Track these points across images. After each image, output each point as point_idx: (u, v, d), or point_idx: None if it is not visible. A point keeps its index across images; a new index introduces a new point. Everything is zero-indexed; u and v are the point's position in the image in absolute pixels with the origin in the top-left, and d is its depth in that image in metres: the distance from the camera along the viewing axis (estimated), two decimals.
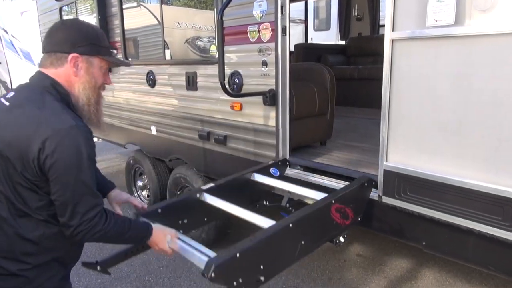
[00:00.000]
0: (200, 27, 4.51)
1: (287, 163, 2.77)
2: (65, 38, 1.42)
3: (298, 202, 2.49)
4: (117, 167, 6.14)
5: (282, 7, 2.56)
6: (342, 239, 2.15)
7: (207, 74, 3.23)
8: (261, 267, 1.71)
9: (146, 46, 4.30)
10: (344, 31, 6.43)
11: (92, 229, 1.36)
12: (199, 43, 4.44)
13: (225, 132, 3.16)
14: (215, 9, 3.07)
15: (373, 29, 6.09)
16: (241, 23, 2.83)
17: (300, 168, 2.78)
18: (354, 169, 2.61)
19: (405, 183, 2.05)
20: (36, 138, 1.27)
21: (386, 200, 2.16)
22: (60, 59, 1.42)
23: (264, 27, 2.68)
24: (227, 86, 2.76)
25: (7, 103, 1.38)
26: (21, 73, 8.79)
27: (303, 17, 7.00)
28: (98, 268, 1.78)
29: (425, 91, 1.90)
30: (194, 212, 2.25)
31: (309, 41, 7.29)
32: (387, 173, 2.12)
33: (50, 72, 1.43)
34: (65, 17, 5.16)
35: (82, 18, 4.84)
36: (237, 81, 2.93)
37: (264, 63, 2.73)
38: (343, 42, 6.50)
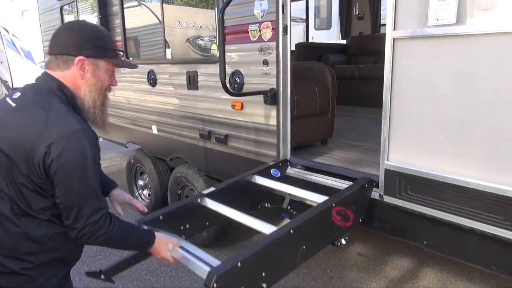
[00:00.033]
0: (201, 26, 4.51)
1: (288, 163, 2.77)
2: (72, 40, 1.42)
3: (299, 203, 2.48)
4: (118, 166, 6.14)
5: (283, 6, 2.56)
6: (343, 241, 2.15)
7: (208, 73, 3.23)
8: (263, 274, 1.72)
9: (147, 45, 4.31)
10: (345, 30, 6.42)
11: (96, 232, 1.37)
12: (200, 42, 4.44)
13: (226, 131, 3.15)
14: (216, 8, 3.07)
15: (374, 28, 6.08)
16: (242, 22, 2.83)
17: (301, 167, 2.78)
18: (355, 168, 2.60)
19: (406, 182, 2.05)
20: (42, 142, 1.27)
21: (387, 199, 2.16)
22: (67, 61, 1.42)
23: (265, 26, 2.67)
24: (228, 85, 2.76)
25: (13, 104, 1.38)
26: (22, 72, 8.80)
27: (304, 16, 6.98)
28: (102, 277, 1.79)
29: (427, 90, 1.90)
30: (195, 217, 2.26)
31: (310, 40, 7.27)
32: (388, 172, 2.12)
33: (57, 74, 1.43)
34: (66, 17, 5.17)
35: (82, 17, 4.84)
36: (238, 80, 2.93)
37: (265, 62, 2.73)
38: (344, 41, 6.49)
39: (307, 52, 5.69)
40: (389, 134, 2.08)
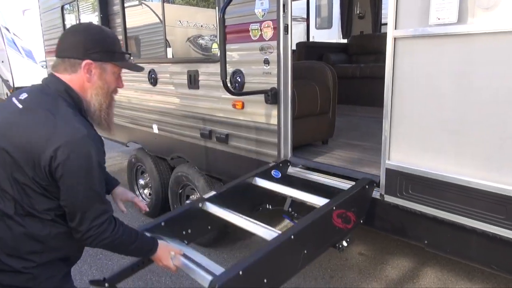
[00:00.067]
0: (201, 26, 4.51)
1: (288, 164, 2.77)
2: (79, 44, 1.42)
3: (300, 205, 2.48)
4: (119, 166, 6.14)
5: (284, 5, 2.55)
6: (345, 243, 2.15)
7: (208, 73, 3.23)
8: (265, 280, 1.73)
9: (147, 44, 4.31)
10: (346, 29, 6.41)
11: (100, 235, 1.39)
12: (201, 41, 4.44)
13: (227, 130, 3.15)
14: (217, 7, 3.07)
15: (375, 27, 6.07)
16: (243, 21, 2.82)
17: (302, 167, 2.77)
18: (356, 167, 2.60)
19: (407, 181, 2.04)
20: (48, 146, 1.28)
21: (388, 198, 2.16)
22: (74, 65, 1.42)
23: (266, 25, 2.67)
24: (229, 84, 2.76)
25: (20, 105, 1.38)
26: (23, 72, 8.80)
27: (305, 15, 6.97)
28: (106, 285, 1.79)
29: (428, 90, 1.89)
30: (197, 222, 2.27)
31: (311, 40, 7.26)
32: (389, 172, 2.12)
33: (64, 77, 1.43)
34: (66, 16, 5.17)
35: (83, 16, 4.85)
36: (239, 80, 2.93)
37: (266, 62, 2.72)
38: (345, 41, 6.47)
39: (308, 52, 5.68)
40: (390, 133, 2.08)
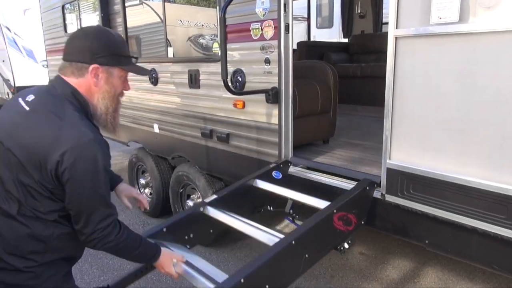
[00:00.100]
0: (202, 25, 4.51)
1: (289, 164, 2.76)
2: (86, 48, 1.42)
3: (301, 206, 2.48)
4: (119, 165, 6.14)
5: (285, 4, 2.55)
6: (346, 245, 2.16)
7: (209, 72, 3.23)
8: (267, 286, 1.74)
9: (148, 44, 4.31)
10: (347, 29, 6.40)
11: (104, 238, 1.41)
12: (202, 41, 4.44)
13: (228, 130, 3.15)
14: (218, 7, 3.07)
15: (376, 26, 6.06)
16: (244, 20, 2.82)
17: (303, 166, 2.77)
18: (357, 167, 2.60)
19: (408, 181, 2.04)
20: (55, 150, 1.29)
21: (389, 198, 2.15)
22: (81, 69, 1.43)
23: (267, 24, 2.67)
24: (229, 84, 2.76)
25: (27, 107, 1.38)
26: (24, 71, 8.80)
27: (305, 15, 6.97)
28: None
29: (429, 89, 1.89)
30: (199, 226, 2.27)
31: (311, 39, 7.26)
32: (390, 171, 2.11)
33: (71, 81, 1.44)
34: (67, 15, 5.17)
35: (84, 16, 4.85)
36: (240, 79, 2.93)
37: (267, 61, 2.72)
38: (346, 40, 6.47)
39: (309, 51, 5.67)
40: (391, 133, 2.08)
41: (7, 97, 9.24)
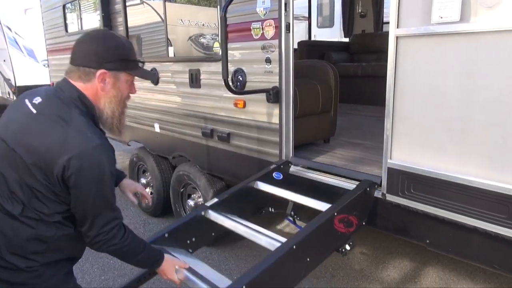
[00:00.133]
0: (203, 24, 4.51)
1: (290, 165, 2.76)
2: (94, 53, 1.43)
3: (302, 206, 2.48)
4: (120, 164, 6.14)
5: (285, 4, 2.55)
6: (348, 247, 2.16)
7: (210, 71, 3.23)
8: None
9: (149, 43, 4.31)
10: (347, 28, 6.40)
11: (109, 241, 1.43)
12: (203, 40, 4.44)
13: (229, 129, 3.15)
14: (219, 6, 3.07)
15: (377, 26, 6.06)
16: (245, 20, 2.82)
17: (303, 166, 2.77)
18: (357, 166, 2.60)
19: (409, 181, 2.04)
20: (61, 155, 1.30)
21: (390, 198, 2.15)
22: (88, 74, 1.43)
23: (268, 24, 2.67)
24: (230, 83, 2.76)
25: (34, 110, 1.38)
26: (25, 71, 8.81)
27: (306, 14, 6.96)
28: None
29: (430, 88, 1.89)
30: (201, 230, 2.28)
31: (312, 38, 7.25)
32: (391, 171, 2.11)
33: (78, 85, 1.44)
34: (68, 15, 5.17)
35: (85, 15, 4.85)
36: (241, 78, 2.93)
37: (268, 60, 2.72)
38: (346, 39, 6.47)
39: (310, 50, 5.67)
40: (392, 132, 2.07)
41: (8, 96, 9.25)
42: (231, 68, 2.94)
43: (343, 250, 2.15)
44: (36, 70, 8.79)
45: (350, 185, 2.35)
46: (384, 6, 5.98)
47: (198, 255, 2.05)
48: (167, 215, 4.25)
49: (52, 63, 5.72)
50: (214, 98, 3.23)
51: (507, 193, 1.70)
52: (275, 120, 2.77)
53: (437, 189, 1.93)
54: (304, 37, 7.09)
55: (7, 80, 9.13)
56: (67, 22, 5.18)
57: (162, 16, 3.76)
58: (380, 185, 2.22)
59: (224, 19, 2.47)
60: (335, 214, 2.05)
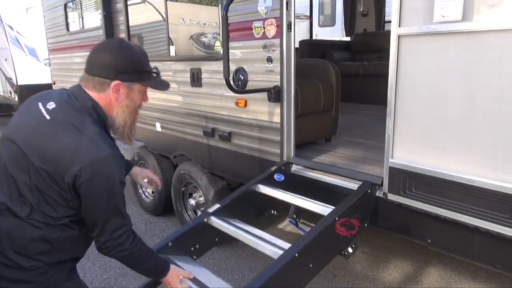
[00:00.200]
0: (204, 23, 4.50)
1: (291, 165, 2.76)
2: (109, 64, 1.44)
3: (304, 210, 2.48)
4: None
5: (287, 3, 2.54)
6: (350, 250, 2.17)
7: (211, 71, 3.23)
8: None
9: (150, 42, 4.30)
10: (349, 27, 6.39)
11: (118, 246, 1.46)
12: (204, 39, 4.43)
13: (230, 128, 3.15)
14: (220, 5, 3.06)
15: (379, 25, 6.04)
16: (246, 19, 2.82)
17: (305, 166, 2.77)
18: (359, 165, 2.60)
19: (410, 180, 2.04)
20: (73, 164, 1.32)
21: (391, 197, 2.15)
22: (103, 84, 1.45)
23: (269, 23, 2.66)
24: (231, 82, 2.76)
25: (48, 116, 1.39)
26: (27, 70, 8.82)
27: (308, 13, 6.95)
28: None
29: (432, 88, 1.88)
30: (204, 236, 2.30)
31: (314, 37, 7.24)
32: (393, 170, 2.11)
33: (92, 94, 1.46)
34: (70, 14, 5.18)
35: (86, 14, 4.85)
36: (242, 78, 2.93)
37: (269, 59, 2.72)
38: (348, 38, 6.46)
39: (311, 49, 5.66)
40: (394, 131, 2.07)
41: (10, 95, 9.26)
42: (233, 67, 2.93)
43: (346, 253, 2.16)
44: (38, 69, 8.80)
45: (352, 184, 2.35)
46: (386, 5, 5.97)
47: (204, 266, 2.06)
48: (168, 214, 4.25)
49: (54, 62, 5.72)
50: (215, 97, 3.23)
51: (509, 193, 1.69)
52: (277, 119, 2.77)
53: (439, 189, 1.93)
54: (306, 36, 7.08)
55: (8, 79, 9.14)
56: (68, 21, 5.18)
57: (164, 15, 3.75)
58: (382, 184, 2.21)
59: (225, 18, 2.46)
60: (337, 218, 2.06)
